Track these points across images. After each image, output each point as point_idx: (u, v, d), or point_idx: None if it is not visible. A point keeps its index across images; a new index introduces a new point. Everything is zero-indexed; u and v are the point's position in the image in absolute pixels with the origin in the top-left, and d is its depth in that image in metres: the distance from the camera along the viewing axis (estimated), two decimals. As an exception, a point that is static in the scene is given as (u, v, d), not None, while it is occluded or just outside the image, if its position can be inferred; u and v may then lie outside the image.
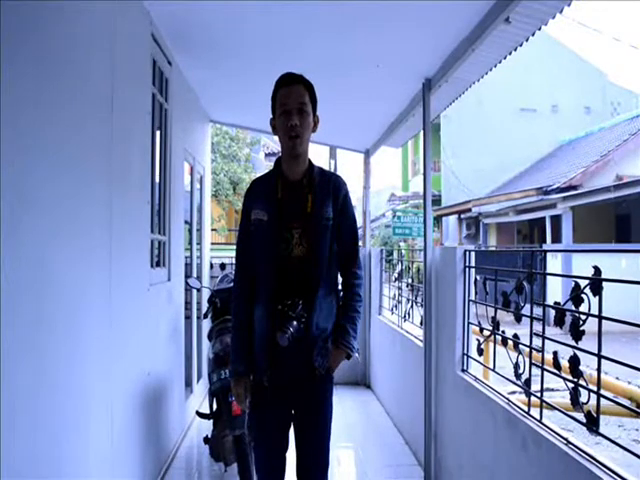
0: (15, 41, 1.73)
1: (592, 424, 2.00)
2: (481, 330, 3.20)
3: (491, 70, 3.72)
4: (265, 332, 2.26)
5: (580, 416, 2.08)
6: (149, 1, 3.26)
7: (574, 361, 2.09)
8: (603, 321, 1.97)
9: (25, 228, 1.80)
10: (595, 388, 2.01)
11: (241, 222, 2.41)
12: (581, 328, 2.06)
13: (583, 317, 2.06)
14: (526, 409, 2.49)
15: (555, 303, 2.31)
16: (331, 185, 2.36)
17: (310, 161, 2.38)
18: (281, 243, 2.27)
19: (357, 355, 2.44)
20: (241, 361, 2.36)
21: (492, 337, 3.07)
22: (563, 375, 2.20)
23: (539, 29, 3.05)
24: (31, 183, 1.84)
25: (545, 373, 2.40)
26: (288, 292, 2.24)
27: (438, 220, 21.36)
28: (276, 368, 2.28)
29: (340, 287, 2.46)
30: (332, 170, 11.90)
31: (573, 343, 2.10)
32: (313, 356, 2.28)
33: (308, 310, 2.23)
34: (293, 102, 2.26)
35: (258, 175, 2.72)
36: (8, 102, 1.67)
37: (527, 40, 3.20)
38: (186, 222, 5.23)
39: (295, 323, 2.17)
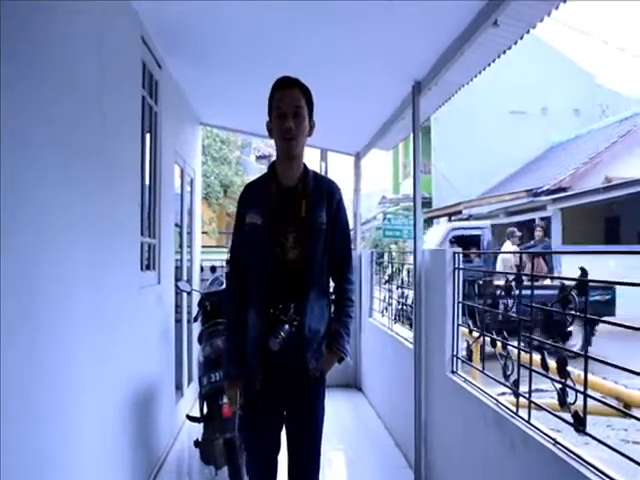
0: (14, 41, 1.75)
1: (579, 424, 2.01)
2: (470, 332, 3.21)
3: (480, 73, 3.74)
4: (257, 336, 2.26)
5: (568, 416, 2.10)
6: (138, 1, 3.25)
7: (561, 362, 2.11)
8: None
9: (19, 227, 1.82)
10: (582, 388, 2.02)
11: (235, 226, 2.42)
12: (568, 329, 2.08)
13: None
14: (515, 410, 2.50)
15: (542, 304, 2.33)
16: (325, 190, 2.37)
17: (305, 166, 2.39)
18: (276, 247, 2.27)
19: (349, 358, 2.45)
20: (234, 364, 2.36)
21: (481, 339, 3.08)
22: (550, 376, 2.21)
23: (527, 32, 3.07)
24: (24, 183, 1.85)
25: (535, 374, 2.41)
26: (281, 295, 2.24)
27: (429, 222, 21.42)
28: (269, 371, 2.28)
29: (332, 291, 2.47)
30: (323, 173, 11.91)
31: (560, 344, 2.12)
32: (307, 359, 2.28)
33: (300, 313, 2.23)
34: (288, 105, 2.26)
35: (251, 179, 2.73)
36: (6, 102, 1.68)
37: (516, 43, 3.22)
38: (176, 225, 5.22)
39: (287, 327, 2.18)
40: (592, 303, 9.88)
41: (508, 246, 10.73)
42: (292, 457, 2.39)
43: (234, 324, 2.39)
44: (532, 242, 10.95)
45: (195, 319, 4.40)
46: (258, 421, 2.37)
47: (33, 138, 1.92)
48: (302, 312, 2.24)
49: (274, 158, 2.42)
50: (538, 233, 10.88)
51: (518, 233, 10.95)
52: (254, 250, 2.31)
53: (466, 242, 11.30)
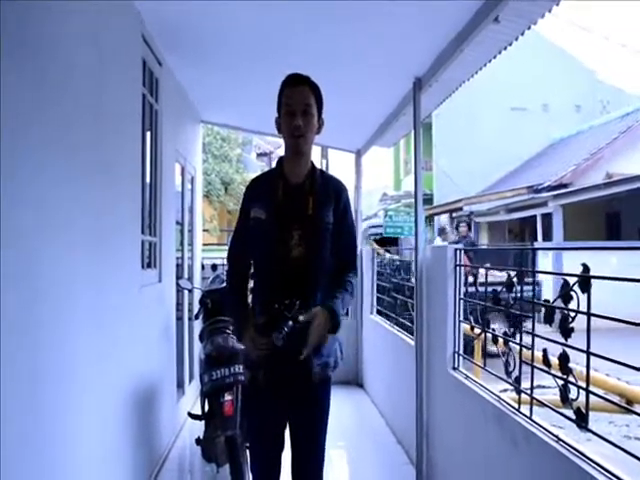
0: (13, 40, 1.75)
1: (581, 420, 2.01)
2: (472, 328, 3.21)
3: (481, 69, 3.73)
4: (260, 330, 2.25)
5: (570, 413, 2.10)
6: (140, 1, 3.25)
7: (563, 358, 2.11)
8: (591, 318, 1.99)
9: (19, 226, 1.82)
10: (584, 385, 2.02)
11: (238, 220, 2.42)
12: (570, 325, 2.07)
13: (572, 314, 2.07)
14: (516, 406, 2.50)
15: (545, 301, 2.33)
16: (332, 189, 2.37)
17: (313, 164, 2.39)
18: (279, 243, 2.27)
19: (346, 317, 2.42)
20: (241, 313, 2.39)
21: (483, 335, 3.08)
22: (552, 372, 2.21)
23: (528, 29, 3.05)
24: (22, 180, 1.85)
25: (537, 371, 2.41)
26: (286, 291, 2.23)
27: (430, 219, 21.38)
28: (273, 365, 2.27)
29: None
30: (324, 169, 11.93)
31: (563, 340, 2.11)
32: (311, 364, 2.27)
33: (305, 311, 2.22)
34: (298, 103, 2.26)
35: (252, 176, 2.73)
36: (6, 101, 1.68)
37: (517, 39, 3.20)
38: (177, 223, 5.22)
39: (291, 323, 2.17)
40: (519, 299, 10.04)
41: (438, 243, 11.11)
42: (296, 452, 2.38)
43: (235, 293, 2.44)
44: (456, 238, 11.28)
45: (196, 317, 4.40)
46: (262, 418, 2.37)
47: (30, 136, 1.91)
48: (307, 310, 2.23)
49: (275, 155, 2.42)
50: (462, 229, 11.41)
51: (448, 229, 11.35)
52: (258, 245, 2.31)
53: (384, 240, 11.42)
